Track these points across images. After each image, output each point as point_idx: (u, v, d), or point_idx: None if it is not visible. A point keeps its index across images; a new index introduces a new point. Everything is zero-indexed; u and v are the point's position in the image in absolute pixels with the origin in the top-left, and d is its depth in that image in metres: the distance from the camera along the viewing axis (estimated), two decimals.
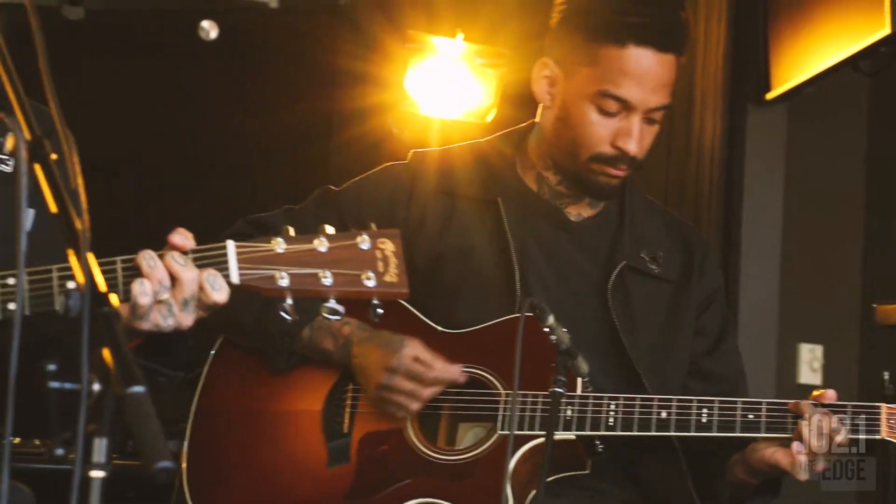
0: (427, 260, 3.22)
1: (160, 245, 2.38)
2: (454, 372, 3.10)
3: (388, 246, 2.41)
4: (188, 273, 2.32)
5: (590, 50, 3.17)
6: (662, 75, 3.18)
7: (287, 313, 2.37)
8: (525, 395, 3.05)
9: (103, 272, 2.27)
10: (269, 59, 6.45)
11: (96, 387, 1.74)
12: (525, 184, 3.33)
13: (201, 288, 2.33)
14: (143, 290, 2.30)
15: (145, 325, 2.33)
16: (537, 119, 3.35)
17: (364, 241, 2.40)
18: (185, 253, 2.34)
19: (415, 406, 3.09)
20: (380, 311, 2.40)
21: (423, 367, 3.08)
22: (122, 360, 1.74)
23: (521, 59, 5.35)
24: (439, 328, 3.22)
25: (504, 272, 3.22)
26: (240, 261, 2.35)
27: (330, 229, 2.40)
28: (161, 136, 6.53)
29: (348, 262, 2.37)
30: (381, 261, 2.39)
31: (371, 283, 2.37)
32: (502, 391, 3.11)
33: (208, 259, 2.36)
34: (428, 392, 3.09)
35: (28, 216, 2.46)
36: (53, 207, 1.92)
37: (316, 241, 2.37)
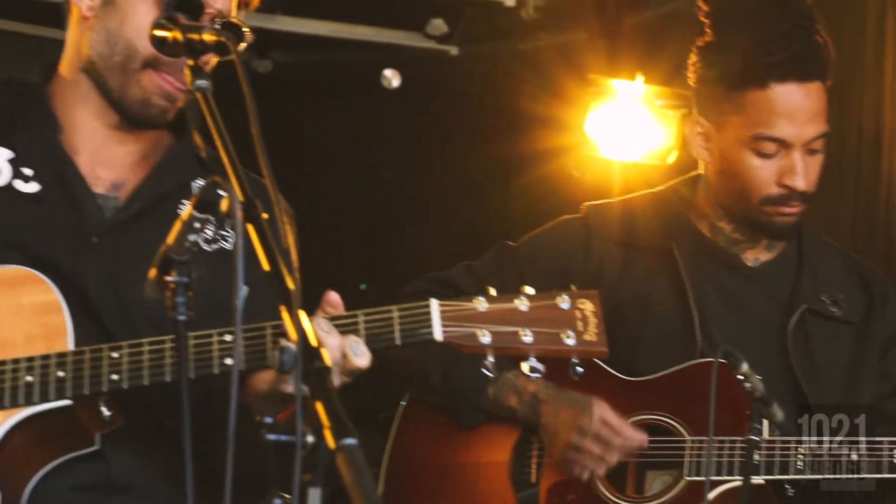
0: (606, 309, 3.26)
1: (341, 292, 2.47)
2: (640, 440, 3.12)
3: (587, 306, 2.47)
4: (331, 340, 2.41)
5: (734, 98, 3.19)
6: (812, 105, 3.18)
7: (489, 370, 2.44)
8: (716, 441, 3.05)
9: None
10: (450, 105, 6.53)
11: (310, 439, 1.82)
12: (699, 231, 3.34)
13: (344, 355, 2.41)
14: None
15: (290, 389, 2.40)
16: (701, 171, 3.37)
17: (564, 301, 2.46)
18: (330, 318, 2.43)
19: (601, 470, 3.13)
20: (579, 369, 2.46)
21: (611, 431, 3.11)
22: (334, 413, 1.81)
23: None
24: (622, 376, 3.24)
25: (683, 319, 3.24)
26: (443, 318, 2.44)
27: (530, 290, 2.47)
28: (344, 185, 6.67)
29: (548, 322, 2.45)
30: (581, 320, 2.45)
31: (571, 342, 2.44)
32: (688, 437, 3.12)
33: (413, 316, 2.45)
34: (615, 458, 3.12)
35: (240, 293, 2.59)
36: (266, 266, 2.01)
37: (517, 301, 2.45)
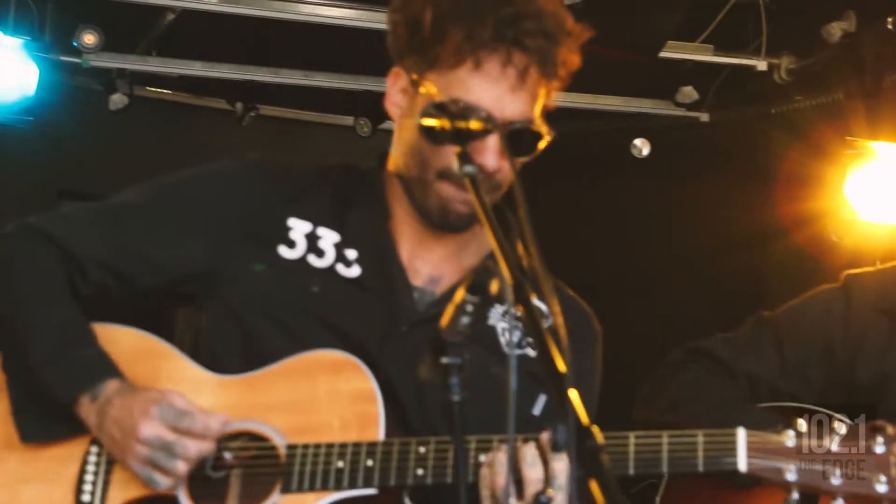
0: (870, 381, 3.19)
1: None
2: None
3: None
4: (559, 464, 2.37)
5: None
6: None
7: None
8: None
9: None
10: (701, 171, 6.49)
11: None
12: None
13: None
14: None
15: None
16: None
17: (879, 445, 2.40)
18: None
19: None
20: None
21: None
22: (609, 492, 1.83)
23: None
24: None
25: None
26: (749, 449, 2.42)
27: (842, 428, 2.42)
28: (596, 252, 6.69)
29: (860, 464, 2.39)
30: None
31: (882, 489, 2.37)
32: None
33: (718, 444, 2.44)
34: None
35: (539, 402, 2.65)
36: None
37: (827, 439, 2.41)
